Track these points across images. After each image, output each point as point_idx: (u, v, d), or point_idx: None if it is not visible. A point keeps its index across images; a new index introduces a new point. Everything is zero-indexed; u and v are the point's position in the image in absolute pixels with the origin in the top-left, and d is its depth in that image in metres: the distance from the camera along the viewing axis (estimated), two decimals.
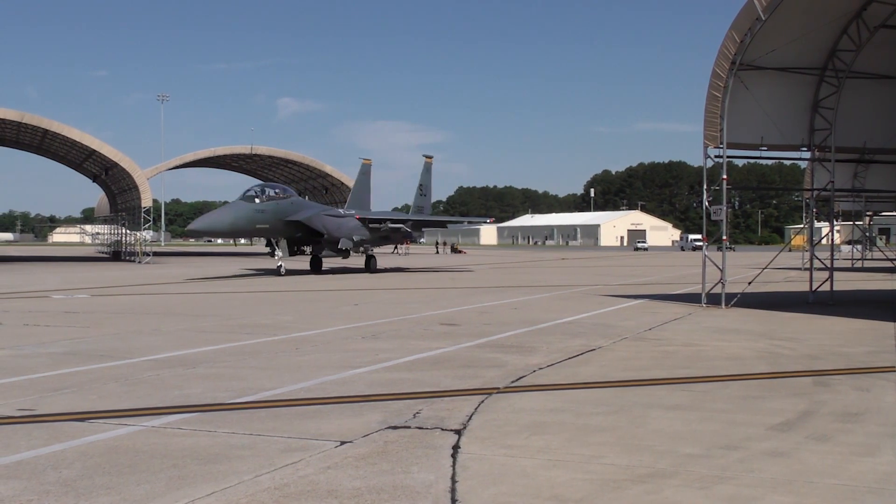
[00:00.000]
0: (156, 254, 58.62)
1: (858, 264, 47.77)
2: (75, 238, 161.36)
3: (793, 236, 33.44)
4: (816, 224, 35.99)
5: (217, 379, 9.67)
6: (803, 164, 38.91)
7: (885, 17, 19.25)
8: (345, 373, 10.06)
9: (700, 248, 24.70)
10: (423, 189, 48.99)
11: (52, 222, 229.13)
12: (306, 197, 73.62)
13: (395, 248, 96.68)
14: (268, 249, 38.25)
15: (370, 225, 39.44)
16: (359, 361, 10.93)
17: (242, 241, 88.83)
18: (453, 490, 5.49)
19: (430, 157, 50.22)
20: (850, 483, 5.66)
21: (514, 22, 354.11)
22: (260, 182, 35.84)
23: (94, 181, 66.08)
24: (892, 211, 54.48)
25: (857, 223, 39.86)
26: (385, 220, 40.59)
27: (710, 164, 19.86)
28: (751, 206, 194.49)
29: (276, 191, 35.74)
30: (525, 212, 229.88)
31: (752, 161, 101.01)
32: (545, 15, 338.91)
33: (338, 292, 26.02)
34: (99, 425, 7.34)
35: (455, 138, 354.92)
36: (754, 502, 5.28)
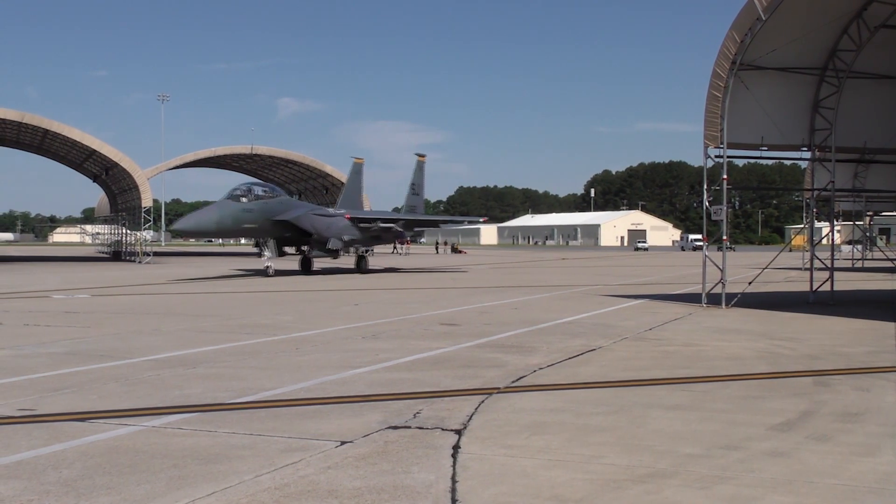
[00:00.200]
0: (156, 254, 58.66)
1: (859, 264, 47.76)
2: (75, 238, 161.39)
3: (793, 236, 33.39)
4: (817, 224, 35.99)
5: (217, 379, 9.67)
6: (804, 164, 38.93)
7: (885, 17, 19.25)
8: (345, 373, 10.06)
9: (700, 248, 24.70)
10: (416, 188, 48.40)
11: (53, 222, 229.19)
12: (299, 197, 73.67)
13: (395, 247, 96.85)
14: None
15: (361, 225, 38.86)
16: (359, 361, 10.93)
17: (242, 240, 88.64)
18: (453, 490, 5.49)
19: (423, 156, 49.51)
20: (850, 483, 5.66)
21: (514, 22, 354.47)
22: (248, 181, 35.28)
23: (94, 181, 66.12)
24: (892, 211, 54.50)
25: (857, 223, 39.87)
26: (376, 220, 39.93)
27: (710, 164, 19.86)
28: (751, 206, 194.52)
29: (265, 190, 35.19)
30: (525, 212, 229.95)
31: (752, 161, 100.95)
32: (545, 15, 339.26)
33: (338, 292, 26.02)
34: (99, 425, 7.34)
35: (455, 138, 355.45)
36: (754, 502, 5.28)
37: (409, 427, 7.23)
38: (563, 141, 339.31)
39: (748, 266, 36.16)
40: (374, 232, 39.70)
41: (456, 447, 6.57)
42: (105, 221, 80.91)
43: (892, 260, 32.91)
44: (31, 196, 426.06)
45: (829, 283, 21.44)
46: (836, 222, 25.26)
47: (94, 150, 52.09)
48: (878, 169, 36.01)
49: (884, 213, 56.23)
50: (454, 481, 5.68)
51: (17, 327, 15.29)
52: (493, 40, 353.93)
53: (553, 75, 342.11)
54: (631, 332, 14.49)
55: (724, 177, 19.53)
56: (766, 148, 20.87)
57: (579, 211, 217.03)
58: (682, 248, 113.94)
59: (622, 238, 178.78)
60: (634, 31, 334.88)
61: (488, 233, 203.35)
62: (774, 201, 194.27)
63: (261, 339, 13.43)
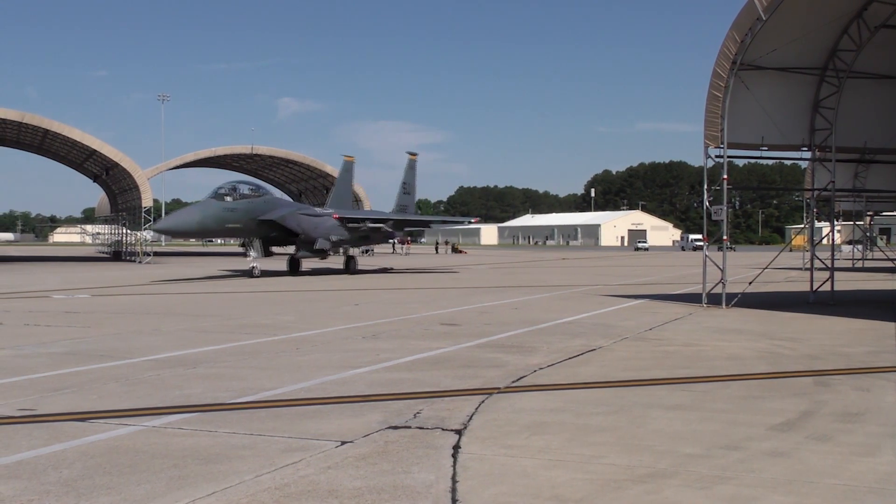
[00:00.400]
0: (156, 254, 58.66)
1: (859, 264, 47.76)
2: (76, 238, 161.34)
3: (793, 236, 33.38)
4: (817, 224, 36.03)
5: (217, 379, 9.67)
6: (804, 164, 38.96)
7: (885, 17, 19.25)
8: (345, 373, 10.06)
9: (701, 248, 24.70)
10: (407, 187, 47.52)
11: (53, 222, 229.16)
12: (299, 196, 73.63)
13: (393, 247, 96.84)
14: (242, 249, 36.79)
15: (349, 224, 38.05)
16: (359, 361, 10.93)
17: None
18: (454, 490, 5.49)
19: (415, 155, 48.71)
20: (850, 483, 5.66)
21: (515, 22, 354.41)
22: (234, 179, 34.56)
23: (94, 181, 66.15)
24: (892, 211, 54.51)
25: (857, 223, 39.87)
26: (364, 220, 39.25)
27: (710, 164, 19.86)
28: (751, 206, 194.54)
29: (251, 189, 34.33)
30: (525, 212, 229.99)
31: (752, 161, 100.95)
32: (545, 15, 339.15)
33: (338, 292, 26.02)
34: (99, 425, 7.34)
35: (455, 138, 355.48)
36: (755, 502, 5.28)
37: (410, 427, 7.23)
38: (563, 141, 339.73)
39: (748, 266, 36.16)
40: (363, 232, 39.02)
41: (456, 447, 6.57)
42: (105, 221, 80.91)
43: (892, 260, 32.92)
44: (32, 196, 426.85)
45: (829, 283, 21.44)
46: (836, 222, 25.26)
47: (95, 150, 52.11)
48: (878, 169, 36.00)
49: (884, 213, 56.25)
50: (454, 481, 5.68)
51: (18, 327, 15.30)
52: (493, 40, 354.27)
53: (553, 75, 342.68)
54: (631, 332, 14.49)
55: (725, 177, 19.53)
56: (766, 148, 20.87)
57: (579, 211, 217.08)
58: (683, 248, 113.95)
59: (622, 238, 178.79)
60: (634, 31, 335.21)
61: (488, 233, 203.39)
62: (775, 201, 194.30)
63: (261, 339, 13.43)
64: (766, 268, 24.80)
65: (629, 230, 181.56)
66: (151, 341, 13.10)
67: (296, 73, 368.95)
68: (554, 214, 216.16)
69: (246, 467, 5.99)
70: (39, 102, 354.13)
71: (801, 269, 37.24)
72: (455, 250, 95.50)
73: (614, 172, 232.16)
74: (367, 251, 76.24)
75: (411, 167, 48.03)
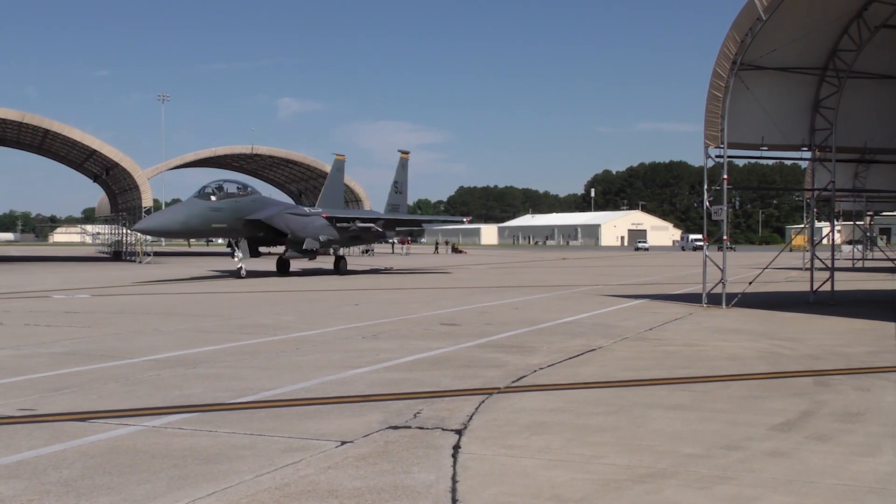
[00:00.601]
0: (156, 254, 58.64)
1: (859, 264, 47.77)
2: (76, 238, 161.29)
3: (793, 236, 33.38)
4: (817, 224, 36.04)
5: (217, 379, 9.67)
6: (804, 164, 38.92)
7: (885, 17, 19.25)
8: (345, 373, 10.06)
9: (701, 248, 24.70)
10: (399, 186, 46.73)
11: (53, 222, 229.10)
12: (299, 196, 73.58)
13: (392, 247, 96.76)
14: (229, 250, 35.92)
15: (338, 224, 37.36)
16: (359, 361, 10.93)
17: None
18: (454, 490, 5.49)
19: (407, 153, 47.83)
20: (850, 483, 5.66)
21: (514, 22, 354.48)
22: (219, 178, 33.93)
23: (94, 181, 66.14)
24: (892, 211, 54.48)
25: (857, 223, 39.86)
26: (354, 220, 38.55)
27: (710, 164, 19.86)
28: (751, 206, 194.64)
29: (238, 187, 33.43)
30: (526, 212, 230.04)
31: (752, 161, 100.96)
32: (545, 15, 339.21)
33: (338, 292, 26.02)
34: (99, 425, 7.34)
35: (455, 138, 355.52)
36: (755, 502, 5.28)
37: (410, 427, 7.23)
38: (563, 141, 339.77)
39: (748, 266, 36.16)
40: (352, 232, 38.38)
41: (456, 447, 6.57)
42: (105, 221, 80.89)
43: (892, 260, 32.92)
44: (32, 196, 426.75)
45: (829, 283, 21.44)
46: (836, 222, 25.25)
47: (95, 150, 52.11)
48: (878, 169, 36.00)
49: (884, 213, 56.21)
50: (454, 481, 5.68)
51: (18, 327, 15.30)
52: (493, 40, 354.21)
53: (553, 75, 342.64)
54: (631, 332, 14.49)
55: (725, 177, 19.53)
56: (766, 148, 20.87)
57: (579, 211, 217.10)
58: (683, 248, 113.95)
59: (622, 238, 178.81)
60: (634, 31, 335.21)
61: (489, 233, 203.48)
62: (775, 201, 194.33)
63: (261, 339, 13.43)
64: (766, 268, 24.81)
65: (629, 230, 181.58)
66: (151, 341, 13.10)
67: (296, 73, 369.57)
68: (554, 214, 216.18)
69: (246, 467, 5.99)
70: (39, 102, 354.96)
71: (801, 269, 37.25)
72: (455, 250, 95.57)
73: (614, 172, 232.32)
74: (367, 251, 76.31)
75: (403, 166, 47.34)
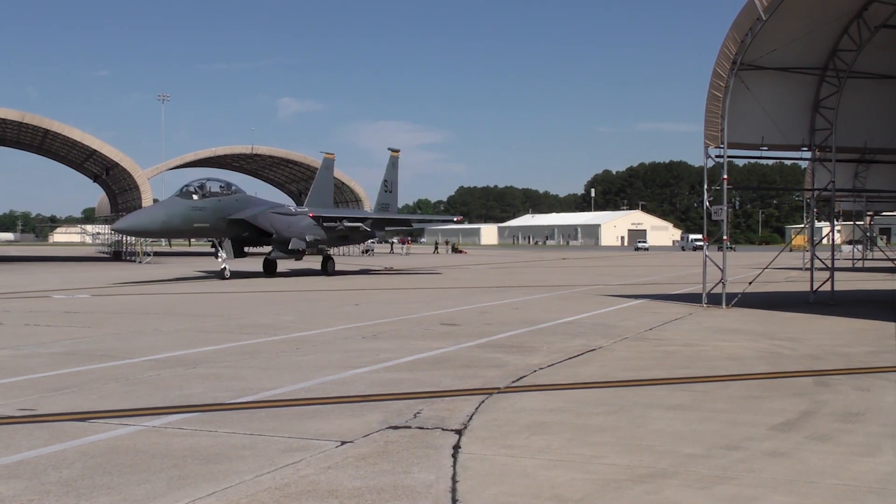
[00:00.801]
0: (156, 254, 58.64)
1: (859, 264, 47.77)
2: (76, 238, 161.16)
3: (793, 236, 33.40)
4: (817, 224, 36.03)
5: (217, 379, 9.67)
6: (804, 164, 38.96)
7: (885, 17, 19.25)
8: (345, 373, 10.06)
9: (701, 248, 24.70)
10: (389, 185, 45.86)
11: (53, 222, 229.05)
12: (299, 196, 73.49)
13: (391, 247, 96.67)
14: (213, 251, 34.77)
15: (325, 224, 36.56)
16: (359, 361, 10.93)
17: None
18: (454, 490, 5.49)
19: (397, 151, 46.89)
20: (850, 483, 5.66)
21: (514, 22, 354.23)
22: (203, 176, 33.19)
23: (94, 181, 66.17)
24: (892, 211, 54.51)
25: (857, 223, 39.86)
26: (341, 219, 37.72)
27: (710, 163, 19.87)
28: (751, 206, 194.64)
29: (219, 186, 32.44)
30: (526, 212, 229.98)
31: (752, 161, 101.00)
32: (545, 15, 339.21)
33: (337, 292, 26.02)
34: (99, 425, 7.34)
35: (455, 138, 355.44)
36: (755, 502, 5.28)
37: (410, 427, 7.23)
38: (563, 141, 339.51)
39: (748, 266, 36.16)
40: (340, 231, 37.65)
41: (456, 447, 6.57)
42: (105, 221, 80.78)
43: (892, 260, 32.91)
44: (32, 196, 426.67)
45: (829, 283, 21.44)
46: (836, 222, 25.26)
47: (95, 150, 52.13)
48: (878, 169, 36.01)
49: (884, 213, 56.23)
50: (454, 481, 5.68)
51: (18, 327, 15.30)
52: (493, 40, 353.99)
53: (553, 75, 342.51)
54: (631, 332, 14.49)
55: (725, 177, 19.53)
56: (766, 148, 20.87)
57: (579, 211, 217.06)
58: (683, 248, 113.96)
59: (622, 238, 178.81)
60: (634, 31, 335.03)
61: (488, 233, 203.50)
62: (775, 201, 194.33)
63: (261, 339, 13.43)
64: (766, 268, 24.81)
65: (629, 230, 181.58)
66: (151, 341, 13.10)
67: (296, 73, 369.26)
68: (554, 214, 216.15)
69: (246, 467, 5.99)
70: (40, 102, 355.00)
71: (801, 269, 37.25)
72: (455, 250, 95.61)
73: (614, 172, 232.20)
74: (367, 251, 76.29)
75: (394, 164, 46.39)
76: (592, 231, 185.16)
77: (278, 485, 5.59)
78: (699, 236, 57.07)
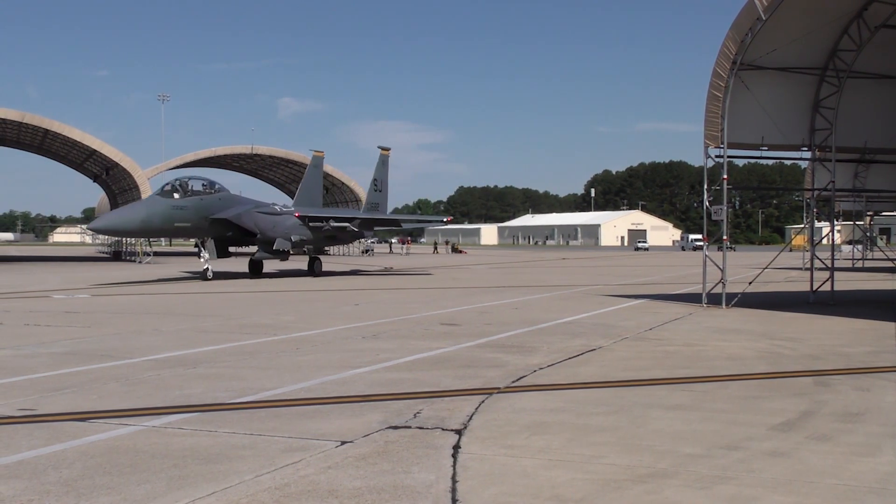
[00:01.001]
0: (156, 254, 58.64)
1: (859, 264, 47.77)
2: (76, 238, 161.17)
3: (793, 236, 33.39)
4: (817, 224, 36.01)
5: (217, 379, 9.67)
6: (804, 164, 39.00)
7: (885, 17, 19.25)
8: (345, 373, 10.06)
9: (701, 247, 24.70)
10: (378, 184, 44.95)
11: (53, 222, 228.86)
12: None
13: (390, 247, 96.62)
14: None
15: (311, 224, 35.72)
16: (359, 361, 10.93)
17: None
18: (454, 490, 5.49)
19: (387, 150, 45.86)
20: (850, 483, 5.66)
21: (515, 22, 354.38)
22: (186, 175, 32.35)
23: (94, 181, 66.18)
24: (892, 211, 54.51)
25: (857, 223, 39.85)
26: (328, 219, 36.87)
27: (710, 163, 19.87)
28: (751, 206, 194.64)
29: (203, 185, 31.65)
30: (525, 212, 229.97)
31: (752, 161, 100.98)
32: (546, 15, 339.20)
33: (337, 292, 26.03)
34: (99, 425, 7.34)
35: (455, 138, 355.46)
36: (755, 502, 5.28)
37: (410, 427, 7.23)
38: (563, 141, 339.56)
39: (748, 266, 36.17)
40: (326, 231, 36.85)
41: (456, 447, 6.57)
42: None
43: (892, 260, 32.92)
44: (32, 196, 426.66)
45: (829, 283, 21.44)
46: (836, 222, 25.26)
47: (95, 150, 52.15)
48: (878, 169, 36.02)
49: (884, 213, 56.25)
50: (454, 481, 5.68)
51: (18, 327, 15.29)
52: (493, 40, 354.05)
53: (553, 75, 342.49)
54: (631, 332, 14.49)
55: (725, 177, 19.53)
56: (766, 148, 20.88)
57: (579, 211, 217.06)
58: (683, 248, 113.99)
59: (622, 238, 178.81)
60: (634, 31, 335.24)
61: (488, 233, 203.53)
62: (775, 201, 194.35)
63: (261, 338, 13.43)
64: (766, 268, 24.81)
65: (629, 230, 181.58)
66: (151, 341, 13.10)
67: (296, 73, 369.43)
68: (554, 214, 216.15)
69: (246, 467, 5.99)
70: (40, 102, 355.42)
71: (801, 269, 37.25)
72: (455, 250, 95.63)
73: (614, 172, 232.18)
74: (367, 251, 76.27)
75: (383, 163, 45.39)
76: (592, 231, 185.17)
77: (278, 485, 5.59)
78: (699, 236, 57.08)
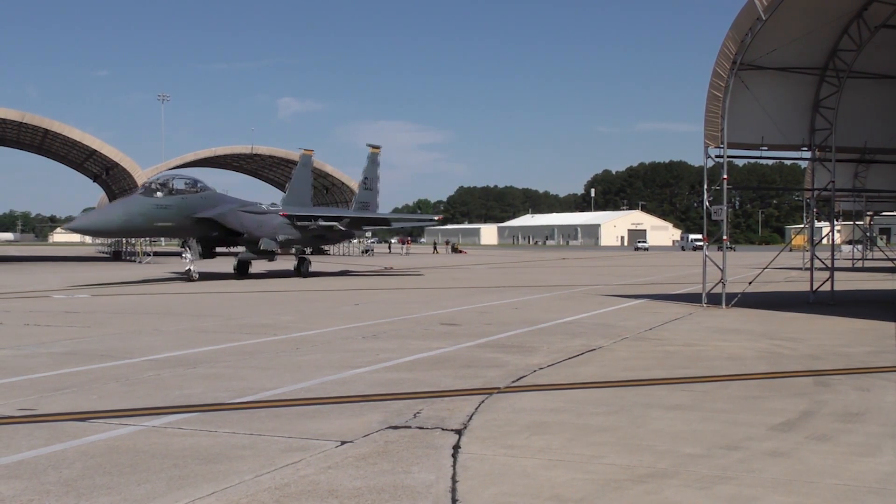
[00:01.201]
0: (156, 253, 58.65)
1: (859, 264, 47.77)
2: (76, 238, 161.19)
3: (793, 236, 33.40)
4: (817, 224, 36.04)
5: (217, 379, 9.67)
6: (804, 164, 39.01)
7: (885, 17, 19.25)
8: (345, 373, 10.06)
9: (700, 247, 24.70)
10: (369, 182, 44.40)
11: (53, 222, 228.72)
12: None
13: (389, 247, 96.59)
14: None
15: (298, 223, 35.11)
16: (359, 361, 10.93)
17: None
18: (454, 490, 5.49)
19: (377, 148, 45.20)
20: (850, 483, 5.66)
21: (515, 22, 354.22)
22: (169, 173, 31.57)
23: (94, 181, 66.24)
24: (892, 211, 54.51)
25: (857, 223, 39.85)
26: (315, 218, 36.22)
27: (710, 163, 19.87)
28: (751, 206, 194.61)
29: (187, 183, 30.93)
30: (525, 212, 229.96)
31: (752, 161, 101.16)
32: (546, 15, 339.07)
33: (337, 292, 26.03)
34: (99, 425, 7.34)
35: (455, 138, 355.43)
36: (755, 502, 5.28)
37: (410, 427, 7.23)
38: (563, 141, 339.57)
39: (748, 266, 36.17)
40: (314, 231, 36.14)
41: (456, 447, 6.57)
42: None
43: (892, 260, 32.92)
44: (31, 196, 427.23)
45: (829, 282, 21.44)
46: (836, 222, 25.26)
47: (95, 150, 52.17)
48: (878, 169, 36.03)
49: (884, 213, 56.24)
50: (454, 481, 5.68)
51: (18, 327, 15.29)
52: (493, 40, 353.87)
53: (553, 75, 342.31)
54: (631, 332, 14.49)
55: (725, 177, 19.53)
56: (766, 148, 20.88)
57: (579, 211, 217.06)
58: (683, 248, 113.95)
59: (622, 238, 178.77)
60: (634, 31, 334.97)
61: (488, 233, 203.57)
62: (774, 201, 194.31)
63: (261, 338, 13.43)
64: (765, 268, 24.81)
65: (629, 230, 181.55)
66: (151, 341, 13.10)
67: (296, 73, 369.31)
68: (554, 214, 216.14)
69: (246, 467, 5.99)
70: (40, 102, 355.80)
71: (801, 269, 37.24)
72: (455, 250, 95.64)
73: (614, 172, 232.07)
74: (367, 251, 76.28)
75: (373, 161, 44.72)
76: (592, 231, 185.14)
77: (278, 485, 5.59)
78: (699, 236, 57.09)
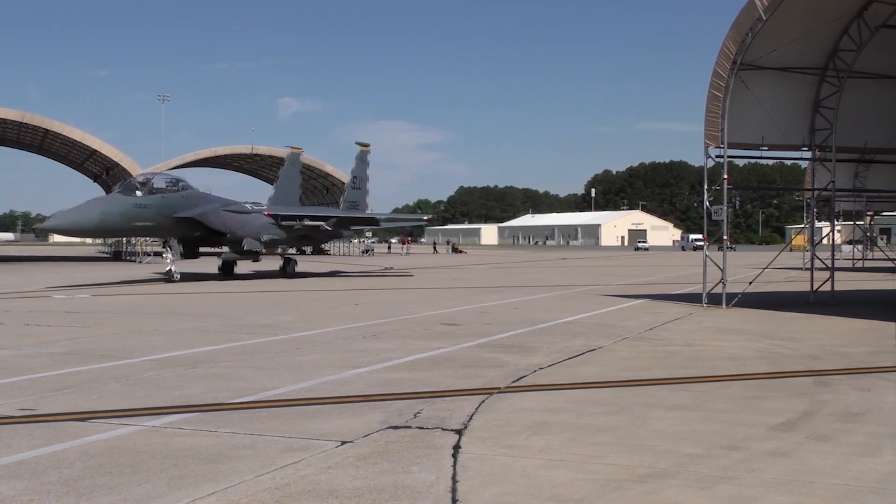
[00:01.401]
0: (156, 253, 58.62)
1: (859, 264, 47.76)
2: (76, 238, 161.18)
3: (793, 236, 33.41)
4: (817, 224, 36.05)
5: (218, 379, 9.67)
6: (804, 164, 38.99)
7: (886, 17, 19.25)
8: (345, 373, 10.06)
9: (701, 247, 24.70)
10: (357, 182, 43.55)
11: None
12: (300, 197, 73.47)
13: (389, 247, 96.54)
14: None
15: (283, 223, 34.31)
16: (359, 361, 10.93)
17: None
18: (454, 490, 5.49)
19: (367, 146, 44.42)
20: (851, 483, 5.66)
21: (515, 22, 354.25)
22: (147, 172, 30.69)
23: (94, 181, 66.29)
24: (892, 211, 54.52)
25: (857, 223, 39.85)
26: (301, 217, 35.34)
27: (710, 163, 19.87)
28: (751, 206, 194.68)
29: (167, 182, 30.19)
30: (526, 212, 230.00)
31: (752, 161, 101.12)
32: (546, 15, 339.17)
33: (337, 292, 26.03)
34: (100, 425, 7.34)
35: (455, 138, 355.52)
36: (755, 502, 5.28)
37: (410, 427, 7.23)
38: (563, 141, 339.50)
39: (749, 266, 36.16)
40: (300, 231, 35.28)
41: (456, 447, 6.57)
42: None
43: (892, 260, 32.91)
44: (32, 196, 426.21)
45: (829, 282, 21.44)
46: (836, 222, 25.26)
47: (95, 150, 52.22)
48: (878, 169, 36.02)
49: (884, 213, 56.26)
50: (455, 481, 5.68)
51: (18, 327, 15.29)
52: (493, 40, 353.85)
53: (553, 75, 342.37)
54: (631, 331, 14.49)
55: (725, 177, 19.53)
56: (766, 148, 20.88)
57: (580, 211, 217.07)
58: (683, 248, 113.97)
59: (623, 238, 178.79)
60: (634, 31, 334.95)
61: (488, 233, 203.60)
62: (775, 201, 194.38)
63: (261, 338, 13.43)
64: (766, 268, 24.81)
65: (629, 230, 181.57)
66: (152, 341, 13.10)
67: (296, 73, 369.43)
68: (554, 214, 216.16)
69: (246, 467, 5.99)
70: (40, 102, 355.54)
71: (801, 269, 37.22)
72: (455, 250, 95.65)
73: (614, 172, 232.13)
74: (367, 251, 76.26)
75: (362, 160, 43.95)
76: (592, 231, 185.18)
77: (278, 485, 5.59)
78: (699, 236, 57.09)
